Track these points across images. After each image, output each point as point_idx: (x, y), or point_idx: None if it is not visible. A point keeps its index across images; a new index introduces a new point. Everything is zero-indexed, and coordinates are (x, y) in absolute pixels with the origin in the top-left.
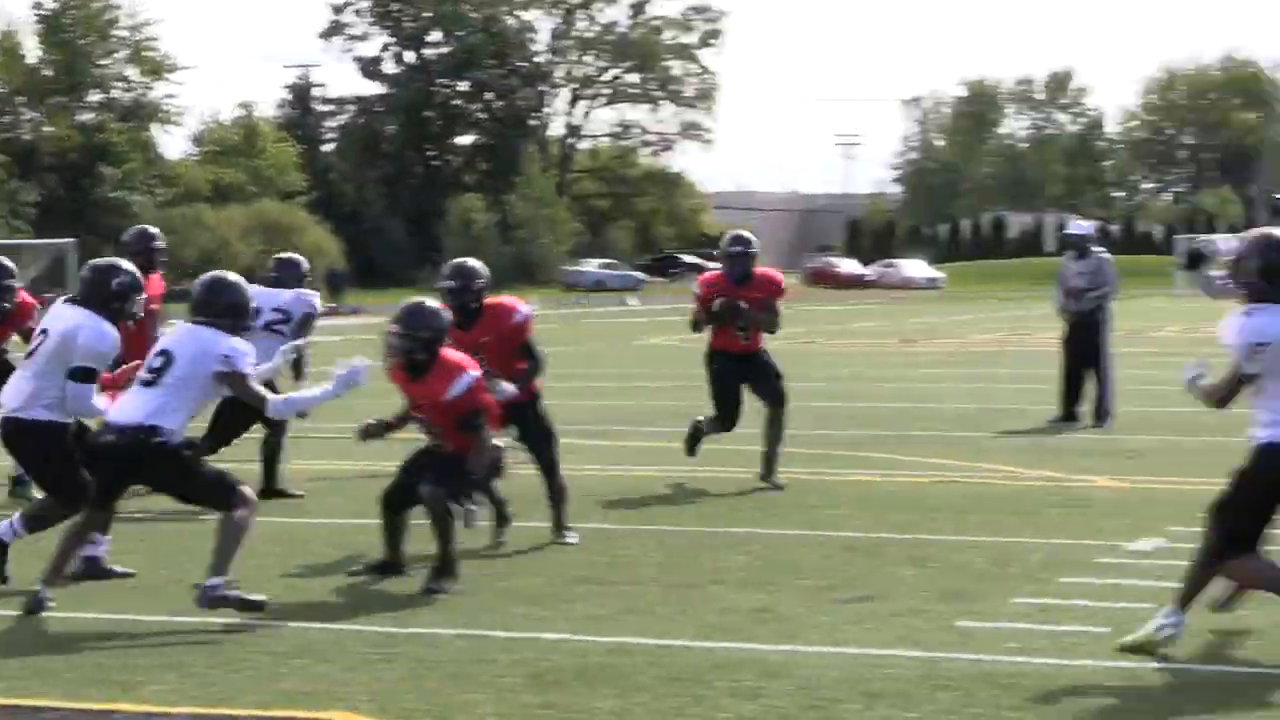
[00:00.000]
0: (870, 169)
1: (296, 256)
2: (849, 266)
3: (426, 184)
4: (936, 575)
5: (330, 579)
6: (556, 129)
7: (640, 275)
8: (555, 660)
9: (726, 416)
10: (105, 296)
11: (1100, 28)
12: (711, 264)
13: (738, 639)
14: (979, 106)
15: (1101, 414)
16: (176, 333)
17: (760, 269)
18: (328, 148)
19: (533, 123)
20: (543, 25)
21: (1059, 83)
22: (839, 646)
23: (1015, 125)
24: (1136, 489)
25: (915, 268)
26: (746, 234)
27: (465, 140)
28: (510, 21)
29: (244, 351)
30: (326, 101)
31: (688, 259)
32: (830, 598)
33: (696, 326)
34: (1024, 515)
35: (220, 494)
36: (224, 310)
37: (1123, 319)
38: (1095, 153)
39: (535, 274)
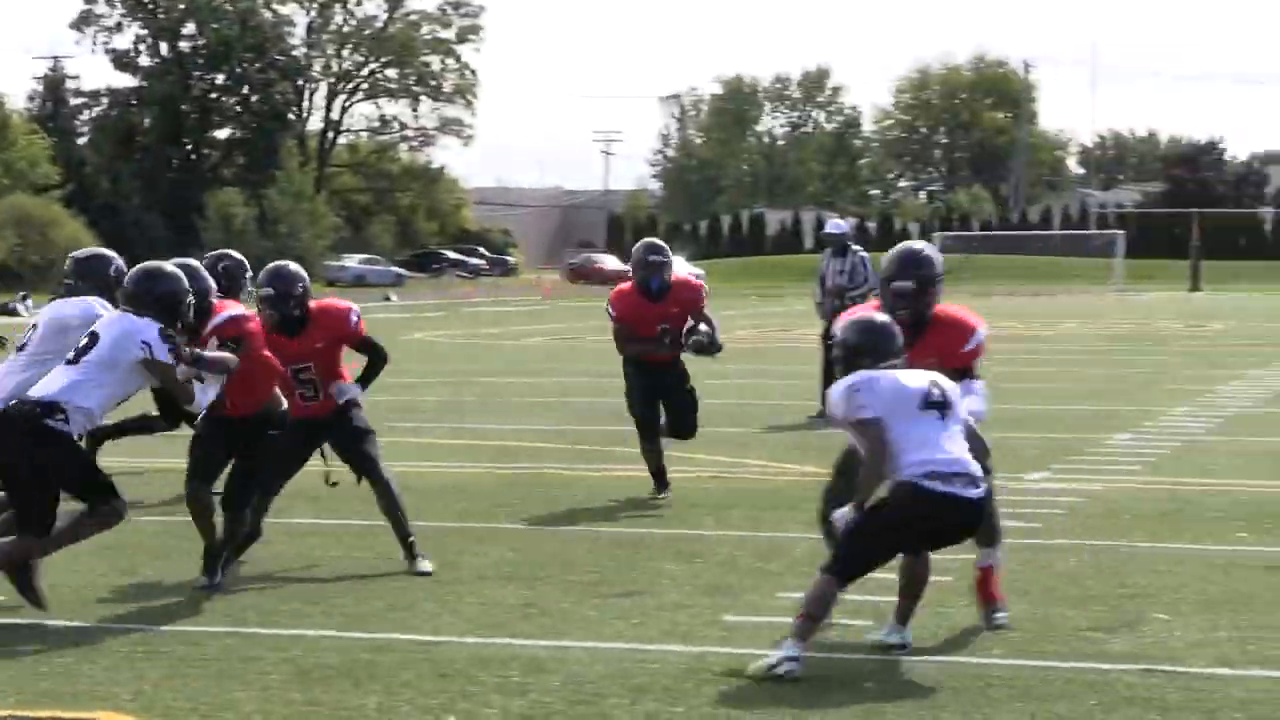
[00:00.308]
0: (631, 165)
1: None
2: (611, 263)
3: (184, 178)
4: (702, 570)
5: (93, 576)
6: (315, 123)
7: (401, 271)
8: (320, 657)
9: (646, 427)
10: (106, 282)
11: (855, 26)
12: (474, 259)
13: (504, 634)
14: (737, 104)
15: None
16: (109, 316)
17: (676, 276)
18: (82, 140)
19: (291, 117)
20: (299, 19)
21: (815, 81)
22: (605, 641)
23: (773, 123)
24: None
25: (676, 264)
26: (660, 241)
27: (222, 134)
28: (266, 15)
29: (170, 344)
30: (79, 94)
31: (450, 255)
32: (596, 593)
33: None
34: (788, 510)
35: (97, 489)
36: (156, 302)
37: None
38: (852, 150)
39: None
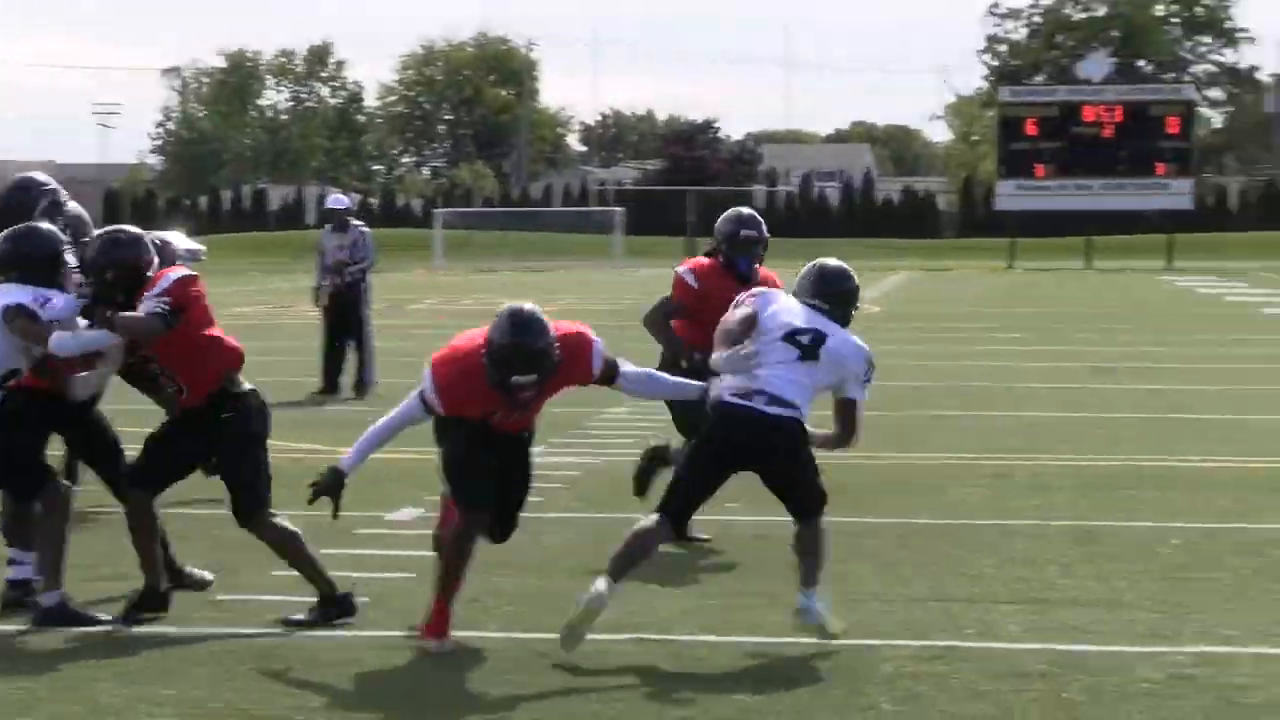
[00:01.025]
0: (130, 139)
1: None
2: None
3: None
4: (196, 550)
5: None
6: None
7: None
8: None
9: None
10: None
11: (359, 1)
12: None
13: None
14: (239, 77)
15: (363, 385)
16: None
17: (762, 269)
18: None
19: None
20: None
21: (318, 56)
22: (95, 626)
23: (276, 97)
24: (403, 460)
25: (175, 239)
26: (755, 214)
27: None
28: None
29: (58, 301)
30: None
31: None
32: (85, 576)
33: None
34: (286, 488)
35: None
36: (38, 263)
37: (382, 291)
38: (355, 126)
39: None
